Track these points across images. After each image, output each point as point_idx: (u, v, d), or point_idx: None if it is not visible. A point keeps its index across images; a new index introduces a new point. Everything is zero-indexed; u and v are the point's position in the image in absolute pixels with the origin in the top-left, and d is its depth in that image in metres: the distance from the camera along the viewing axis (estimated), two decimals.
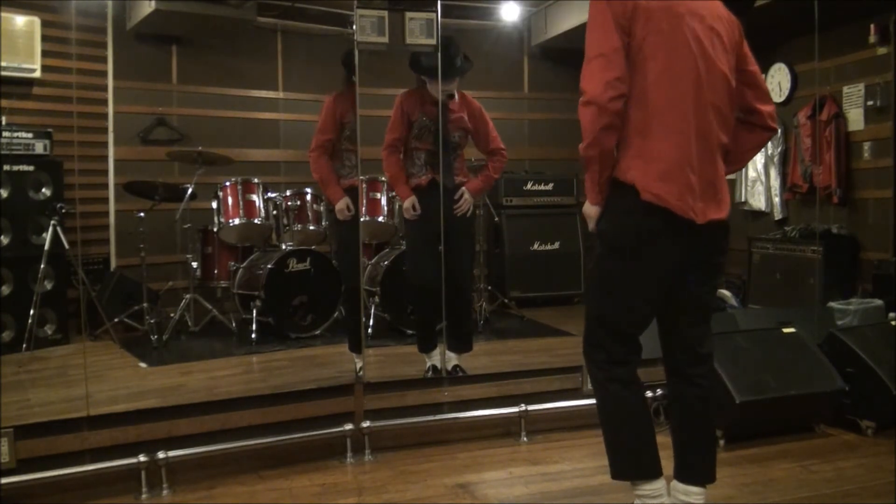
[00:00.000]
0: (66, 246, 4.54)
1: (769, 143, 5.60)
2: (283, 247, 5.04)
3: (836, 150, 5.03)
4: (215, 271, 5.25)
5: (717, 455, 2.33)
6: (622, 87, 2.06)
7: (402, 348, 4.67)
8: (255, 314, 4.81)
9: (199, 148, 5.03)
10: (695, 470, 2.28)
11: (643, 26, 2.09)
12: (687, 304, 2.27)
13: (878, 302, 4.26)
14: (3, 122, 4.74)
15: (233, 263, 5.17)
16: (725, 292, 5.18)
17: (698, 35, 2.13)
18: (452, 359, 3.83)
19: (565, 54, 6.31)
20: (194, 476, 2.95)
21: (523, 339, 5.01)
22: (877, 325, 3.78)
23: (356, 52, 3.73)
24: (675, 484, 2.28)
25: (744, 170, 5.96)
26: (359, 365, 3.78)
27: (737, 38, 2.25)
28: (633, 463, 2.23)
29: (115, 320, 4.77)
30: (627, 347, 2.30)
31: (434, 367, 3.81)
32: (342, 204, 3.88)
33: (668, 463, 2.27)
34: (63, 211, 4.58)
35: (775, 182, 5.65)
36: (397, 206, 5.28)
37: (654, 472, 2.21)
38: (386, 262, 5.03)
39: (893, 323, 3.69)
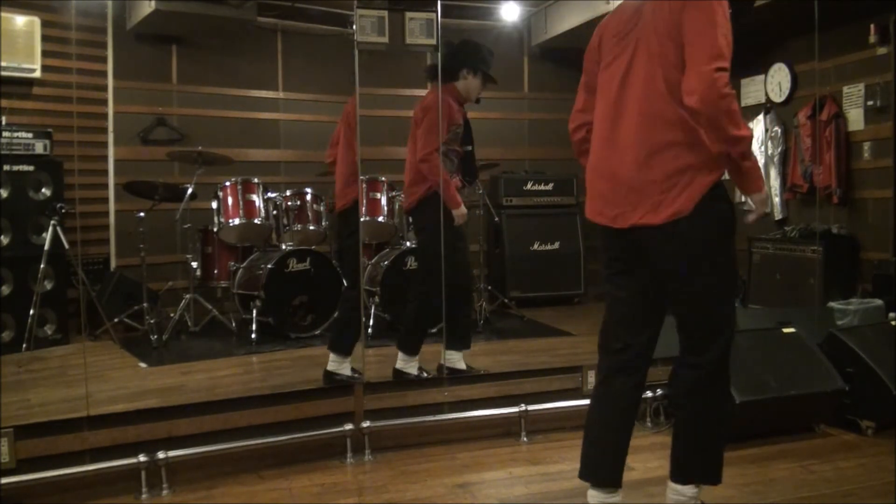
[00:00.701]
0: (66, 246, 4.54)
1: (769, 143, 5.60)
2: (283, 247, 5.04)
3: (836, 150, 5.03)
4: (215, 271, 5.25)
5: (704, 457, 2.31)
6: None
7: None
8: (255, 314, 4.81)
9: (199, 148, 5.03)
10: (672, 465, 2.33)
11: None
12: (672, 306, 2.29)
13: (878, 302, 4.26)
14: (3, 122, 4.74)
15: (233, 263, 5.17)
16: None
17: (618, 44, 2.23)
18: (458, 359, 3.83)
19: (565, 54, 6.31)
20: (194, 476, 2.95)
21: (523, 339, 5.00)
22: (877, 325, 3.78)
23: (356, 52, 3.72)
24: None
25: None
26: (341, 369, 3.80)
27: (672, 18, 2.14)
28: None
29: (115, 320, 4.77)
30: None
31: (421, 368, 3.81)
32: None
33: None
34: (63, 211, 4.58)
35: (775, 182, 5.65)
36: (397, 206, 5.29)
37: None
38: (386, 262, 5.03)
39: (893, 323, 3.69)
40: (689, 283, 2.20)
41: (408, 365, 3.77)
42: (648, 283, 2.27)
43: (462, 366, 3.83)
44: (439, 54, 3.73)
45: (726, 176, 2.21)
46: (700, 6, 2.09)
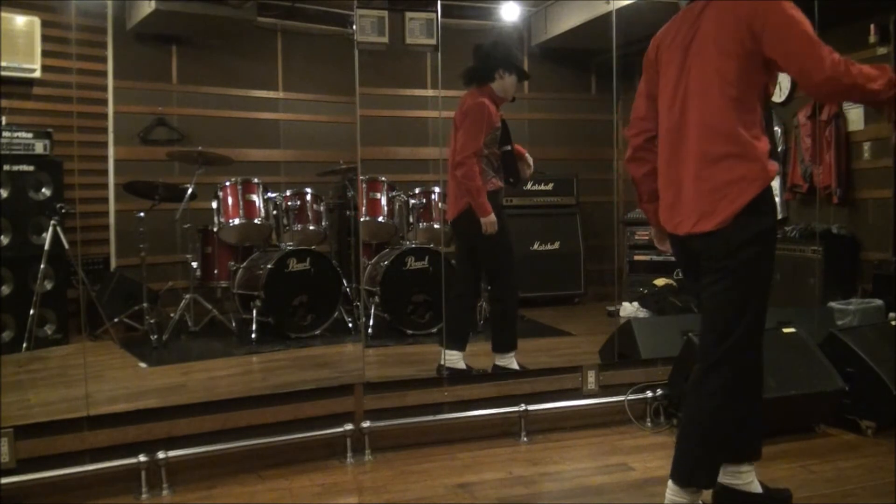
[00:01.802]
0: (66, 246, 4.54)
1: None
2: (283, 247, 5.04)
3: (836, 150, 5.03)
4: (215, 271, 5.25)
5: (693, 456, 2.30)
6: None
7: (402, 348, 4.68)
8: (255, 314, 4.81)
9: (199, 148, 5.02)
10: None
11: None
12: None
13: (878, 302, 4.26)
14: (3, 122, 4.74)
15: (233, 263, 5.17)
16: None
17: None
18: (511, 359, 3.87)
19: (565, 54, 6.32)
20: (194, 476, 2.95)
21: (523, 339, 4.95)
22: (877, 325, 3.78)
23: (356, 52, 3.72)
24: None
25: None
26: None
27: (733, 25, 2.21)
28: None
29: (115, 320, 4.77)
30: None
31: (468, 366, 3.85)
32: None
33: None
34: (63, 211, 4.58)
35: (775, 182, 5.63)
36: (397, 206, 5.29)
37: None
38: (386, 262, 5.03)
39: (893, 323, 3.69)
40: (713, 284, 2.28)
41: (506, 359, 3.82)
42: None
43: (515, 365, 3.84)
44: (439, 54, 3.73)
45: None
46: (777, 27, 2.15)
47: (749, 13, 2.18)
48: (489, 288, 3.99)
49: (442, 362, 3.82)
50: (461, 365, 3.84)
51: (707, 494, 2.39)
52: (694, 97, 2.28)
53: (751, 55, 2.19)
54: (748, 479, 2.45)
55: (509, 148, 3.86)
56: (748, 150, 2.22)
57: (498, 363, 3.81)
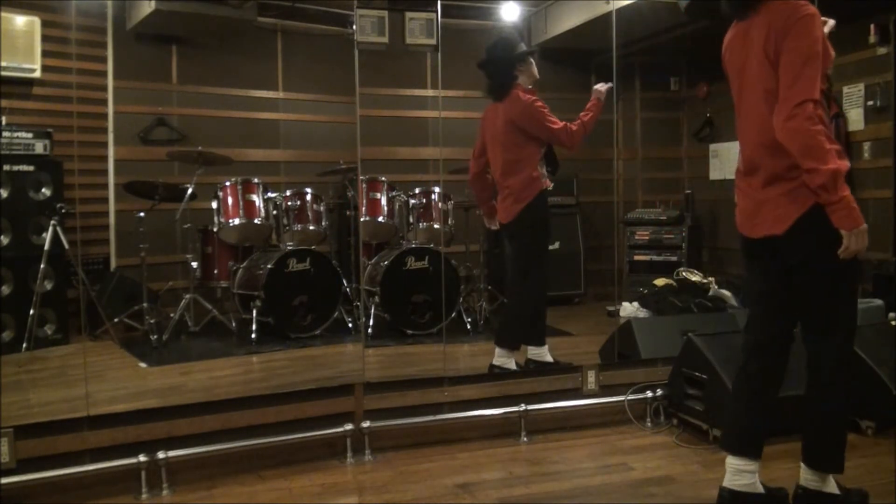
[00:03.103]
0: (66, 246, 4.54)
1: None
2: (283, 247, 5.04)
3: None
4: (215, 271, 5.25)
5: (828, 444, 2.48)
6: None
7: (402, 348, 4.68)
8: (255, 314, 4.81)
9: (199, 148, 5.02)
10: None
11: None
12: None
13: (878, 302, 4.25)
14: (3, 122, 4.74)
15: (233, 263, 5.17)
16: (725, 292, 5.18)
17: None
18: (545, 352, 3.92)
19: (565, 54, 6.31)
20: (194, 476, 2.95)
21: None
22: (877, 325, 3.77)
23: (356, 52, 3.72)
24: None
25: None
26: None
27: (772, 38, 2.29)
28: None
29: (115, 320, 4.77)
30: None
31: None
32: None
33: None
34: (63, 211, 4.58)
35: None
36: (397, 206, 5.29)
37: None
38: (386, 262, 5.03)
39: (893, 323, 3.69)
40: (802, 281, 2.41)
41: (540, 352, 3.86)
42: (777, 282, 2.48)
43: (549, 357, 3.90)
44: (439, 55, 3.73)
45: None
46: (796, 38, 2.23)
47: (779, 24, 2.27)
48: (520, 283, 3.98)
49: (528, 356, 3.88)
50: (548, 357, 3.89)
51: None
52: (751, 112, 2.41)
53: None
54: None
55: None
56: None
57: (531, 356, 3.87)
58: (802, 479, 2.50)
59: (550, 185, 3.89)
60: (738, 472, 2.49)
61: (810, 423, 2.51)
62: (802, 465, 2.50)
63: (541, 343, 3.89)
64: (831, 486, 2.49)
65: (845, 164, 2.23)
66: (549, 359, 3.87)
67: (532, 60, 3.88)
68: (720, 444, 2.68)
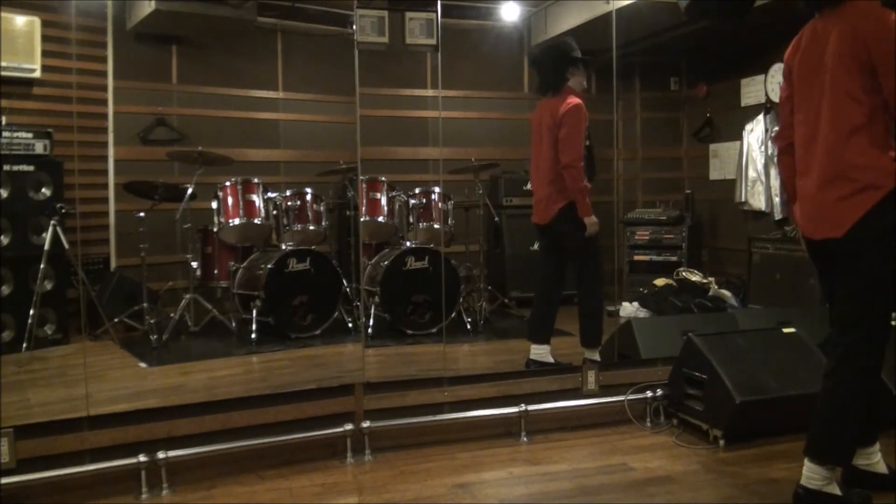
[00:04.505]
0: (66, 246, 4.54)
1: (769, 143, 5.60)
2: (283, 247, 5.04)
3: None
4: (215, 271, 5.25)
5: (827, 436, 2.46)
6: None
7: (402, 348, 4.68)
8: (255, 314, 4.81)
9: (199, 148, 5.03)
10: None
11: None
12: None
13: None
14: (3, 122, 4.74)
15: (233, 263, 5.17)
16: (725, 292, 5.18)
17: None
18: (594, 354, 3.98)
19: None
20: (194, 476, 2.95)
21: (523, 339, 4.99)
22: None
23: (356, 52, 3.72)
24: None
25: (744, 170, 5.97)
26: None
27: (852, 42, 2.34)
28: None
29: (115, 320, 4.77)
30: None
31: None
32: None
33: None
34: (63, 211, 4.58)
35: (775, 182, 5.64)
36: (397, 206, 5.29)
37: None
38: (386, 262, 5.03)
39: (893, 323, 3.68)
40: (844, 281, 2.46)
41: (594, 353, 3.91)
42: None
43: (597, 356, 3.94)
44: (439, 55, 3.74)
45: None
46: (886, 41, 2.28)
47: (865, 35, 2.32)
48: (579, 286, 4.04)
49: (530, 356, 3.94)
50: (549, 358, 3.94)
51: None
52: (824, 116, 2.42)
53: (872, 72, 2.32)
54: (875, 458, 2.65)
55: (588, 143, 3.92)
56: (870, 161, 2.35)
57: (587, 357, 3.90)
58: (804, 477, 2.49)
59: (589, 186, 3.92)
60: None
61: (815, 411, 2.50)
62: (805, 461, 2.50)
63: (546, 342, 3.93)
64: (833, 487, 2.48)
65: None
66: (550, 359, 3.90)
67: (583, 71, 3.93)
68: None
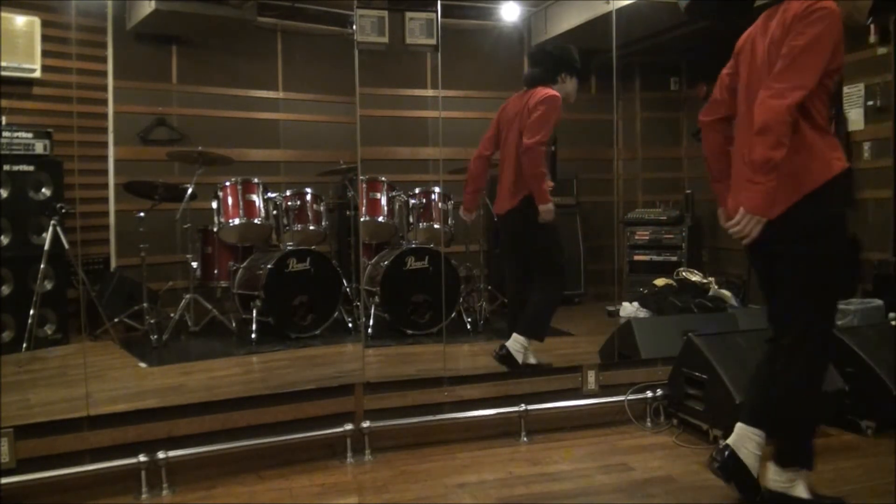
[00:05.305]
0: (66, 246, 4.54)
1: None
2: (283, 247, 5.04)
3: None
4: (215, 271, 5.25)
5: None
6: None
7: (402, 348, 4.68)
8: (255, 314, 4.81)
9: (199, 148, 5.03)
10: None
11: None
12: None
13: (878, 302, 4.25)
14: (3, 122, 4.74)
15: (233, 263, 5.17)
16: (725, 292, 5.18)
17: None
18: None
19: None
20: (194, 476, 2.95)
21: None
22: (877, 325, 3.78)
23: (356, 52, 3.72)
24: None
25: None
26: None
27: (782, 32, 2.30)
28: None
29: (115, 320, 4.77)
30: None
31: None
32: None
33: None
34: (63, 211, 4.58)
35: None
36: (397, 206, 5.29)
37: None
38: (386, 262, 5.03)
39: (893, 323, 3.69)
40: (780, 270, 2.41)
41: (520, 343, 3.78)
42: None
43: (524, 358, 3.84)
44: (439, 55, 3.73)
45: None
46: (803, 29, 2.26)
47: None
48: (536, 280, 3.92)
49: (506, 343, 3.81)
50: (530, 357, 3.83)
51: None
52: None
53: None
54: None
55: (554, 148, 3.87)
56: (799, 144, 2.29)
57: (510, 344, 3.76)
58: (770, 480, 2.44)
59: (552, 185, 3.86)
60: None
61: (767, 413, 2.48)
62: (769, 463, 2.46)
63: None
64: (799, 490, 2.42)
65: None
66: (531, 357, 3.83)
67: (576, 82, 3.87)
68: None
